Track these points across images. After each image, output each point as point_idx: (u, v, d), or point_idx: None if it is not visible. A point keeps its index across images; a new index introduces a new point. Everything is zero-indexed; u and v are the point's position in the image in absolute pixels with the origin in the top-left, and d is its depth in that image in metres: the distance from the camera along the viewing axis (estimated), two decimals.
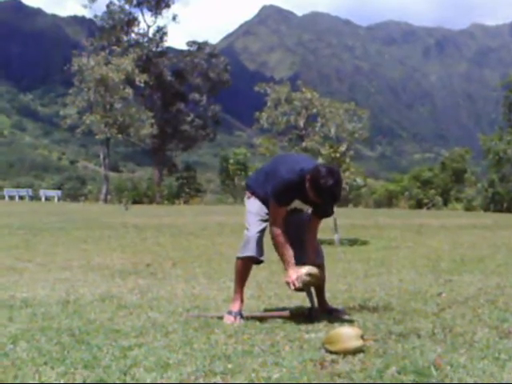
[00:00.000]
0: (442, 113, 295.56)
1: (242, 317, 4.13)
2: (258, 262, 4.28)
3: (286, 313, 4.26)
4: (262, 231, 4.26)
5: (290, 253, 4.12)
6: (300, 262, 4.12)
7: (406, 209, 35.86)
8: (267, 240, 4.26)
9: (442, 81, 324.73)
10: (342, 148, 11.27)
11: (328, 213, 4.28)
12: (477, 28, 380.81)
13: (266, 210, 4.25)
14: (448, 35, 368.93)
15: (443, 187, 38.66)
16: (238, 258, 4.28)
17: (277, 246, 4.17)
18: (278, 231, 4.12)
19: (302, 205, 4.21)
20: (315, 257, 4.23)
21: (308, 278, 4.07)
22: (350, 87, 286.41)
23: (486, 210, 32.05)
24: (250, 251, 4.20)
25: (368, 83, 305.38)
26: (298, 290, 4.14)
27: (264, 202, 4.27)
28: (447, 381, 2.74)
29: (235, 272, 4.32)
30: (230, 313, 4.16)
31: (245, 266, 4.27)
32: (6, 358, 3.14)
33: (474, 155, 42.36)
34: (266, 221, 4.25)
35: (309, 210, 4.29)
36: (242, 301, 4.27)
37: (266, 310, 4.56)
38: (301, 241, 4.23)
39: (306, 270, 4.06)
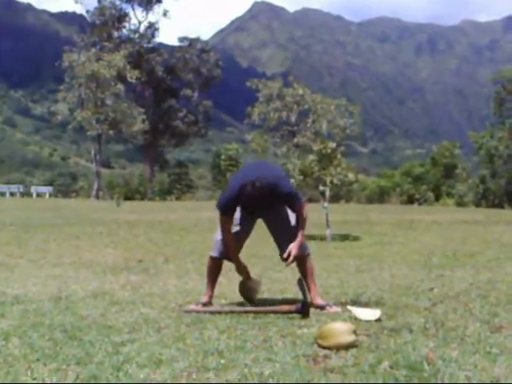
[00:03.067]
0: (434, 108, 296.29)
1: (204, 305, 4.42)
2: (226, 258, 4.63)
3: (287, 307, 4.24)
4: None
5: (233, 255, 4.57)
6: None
7: (397, 204, 35.97)
8: (261, 233, 4.27)
9: (434, 77, 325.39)
10: (333, 144, 11.27)
11: (294, 208, 4.47)
12: (468, 24, 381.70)
13: (239, 216, 4.55)
14: (439, 31, 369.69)
15: (434, 183, 38.80)
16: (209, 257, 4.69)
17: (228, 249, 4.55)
18: (226, 234, 4.50)
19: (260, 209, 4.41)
20: (302, 229, 4.45)
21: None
22: (341, 83, 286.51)
23: (478, 205, 32.24)
24: (215, 252, 4.60)
25: (360, 79, 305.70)
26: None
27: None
28: (439, 375, 2.75)
29: (207, 269, 4.74)
30: (197, 302, 4.52)
31: (211, 265, 4.64)
32: None
33: (465, 151, 42.54)
34: (236, 225, 4.55)
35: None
36: (209, 296, 4.57)
37: (259, 306, 4.55)
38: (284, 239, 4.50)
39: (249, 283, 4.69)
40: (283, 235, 4.47)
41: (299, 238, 4.39)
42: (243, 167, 5.33)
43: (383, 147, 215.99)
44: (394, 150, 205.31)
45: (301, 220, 4.45)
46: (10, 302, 4.61)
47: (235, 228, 4.51)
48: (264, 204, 4.27)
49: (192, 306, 4.39)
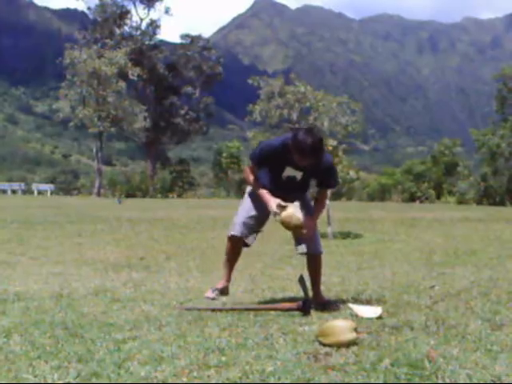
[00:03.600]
0: (435, 106, 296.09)
1: (221, 293, 4.39)
2: (245, 244, 4.48)
3: (289, 305, 4.24)
4: (251, 218, 4.44)
5: (262, 190, 4.30)
6: None
7: (399, 202, 35.96)
8: (265, 232, 4.27)
9: (435, 74, 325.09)
10: (333, 142, 11.27)
11: (330, 183, 4.44)
12: (470, 22, 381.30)
13: (254, 213, 4.44)
14: (441, 29, 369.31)
15: (436, 181, 38.77)
16: (227, 238, 4.53)
17: (254, 188, 4.39)
18: (249, 178, 4.41)
19: (294, 171, 4.29)
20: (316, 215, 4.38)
21: (285, 218, 4.13)
22: (343, 80, 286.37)
23: (479, 203, 32.20)
24: (235, 231, 4.43)
25: (361, 76, 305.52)
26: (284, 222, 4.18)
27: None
28: (440, 373, 2.75)
29: (225, 252, 4.59)
30: (211, 288, 4.51)
31: (230, 246, 4.51)
32: (0, 351, 3.13)
33: (466, 149, 42.49)
34: (257, 209, 4.41)
35: (306, 179, 4.40)
36: (226, 280, 4.53)
37: (260, 303, 4.56)
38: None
39: (290, 210, 4.13)
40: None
41: (316, 214, 4.39)
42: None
43: (385, 145, 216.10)
44: (396, 148, 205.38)
45: (323, 202, 4.48)
46: (11, 299, 4.61)
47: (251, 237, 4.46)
48: (308, 168, 4.14)
49: (208, 293, 4.45)
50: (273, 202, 4.20)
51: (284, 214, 4.13)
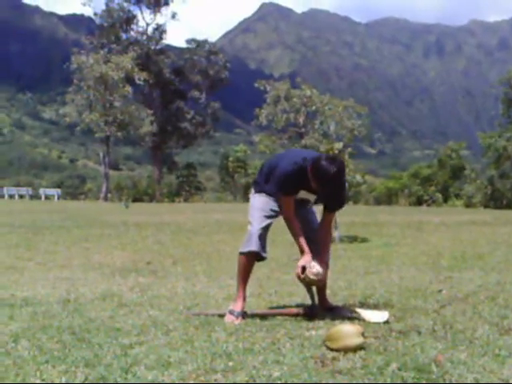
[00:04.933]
0: (442, 109, 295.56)
1: (243, 317, 4.08)
2: (260, 258, 4.23)
3: (296, 310, 4.24)
4: (266, 228, 4.21)
5: (302, 237, 4.14)
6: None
7: (406, 206, 35.86)
8: (271, 235, 4.27)
9: (442, 77, 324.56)
10: (339, 145, 11.25)
11: (340, 204, 4.27)
12: (476, 24, 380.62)
13: (272, 206, 4.24)
14: (447, 32, 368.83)
15: (443, 184, 38.66)
16: (241, 254, 4.22)
17: (290, 226, 4.18)
18: (290, 215, 4.14)
19: (308, 194, 4.17)
20: (327, 256, 4.21)
21: (313, 277, 4.07)
22: (349, 84, 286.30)
23: (486, 206, 32.08)
24: (253, 246, 4.14)
25: (367, 80, 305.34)
26: (300, 279, 4.15)
27: (271, 196, 4.26)
28: (447, 377, 2.75)
29: (238, 268, 4.26)
30: (231, 312, 4.11)
31: (247, 262, 4.20)
32: (8, 356, 3.15)
33: (473, 152, 42.34)
34: (270, 217, 4.22)
35: (314, 201, 4.29)
36: (244, 299, 4.21)
37: (269, 308, 4.55)
38: (307, 238, 4.21)
39: (315, 269, 4.05)
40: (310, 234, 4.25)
41: (326, 256, 4.23)
42: (288, 152, 4.61)
43: (391, 148, 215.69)
44: (402, 151, 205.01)
45: (330, 229, 4.34)
46: (19, 304, 4.64)
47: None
48: (329, 188, 3.97)
49: (230, 318, 4.04)
50: (307, 259, 4.08)
51: (312, 274, 4.05)
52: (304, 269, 4.07)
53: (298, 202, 4.20)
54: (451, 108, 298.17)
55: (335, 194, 4.12)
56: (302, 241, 4.14)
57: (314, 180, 3.90)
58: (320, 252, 4.16)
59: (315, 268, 4.05)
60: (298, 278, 4.13)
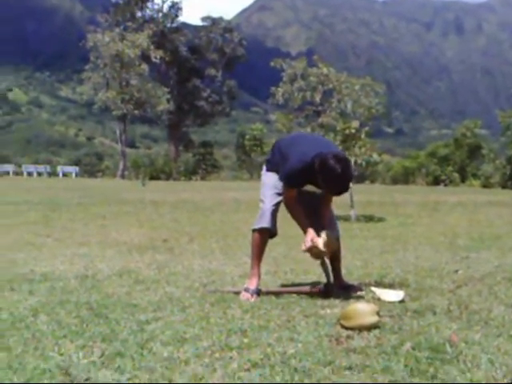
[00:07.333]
0: (460, 88, 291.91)
1: (258, 294, 4.11)
2: (273, 234, 4.29)
3: (307, 288, 4.25)
4: (277, 204, 4.26)
5: (304, 219, 4.19)
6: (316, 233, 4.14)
7: (422, 185, 35.65)
8: (284, 213, 4.27)
9: (460, 56, 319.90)
10: (356, 124, 11.15)
11: (341, 193, 4.22)
12: (497, 0, 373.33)
13: (280, 199, 4.28)
14: (467, 9, 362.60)
15: (460, 164, 38.31)
16: (254, 231, 4.27)
17: (291, 212, 4.22)
18: (290, 203, 4.19)
19: (313, 188, 4.21)
20: (331, 230, 4.22)
21: (320, 249, 4.07)
22: (366, 62, 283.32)
23: (504, 187, 31.77)
24: (265, 223, 4.20)
25: (385, 58, 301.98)
26: (312, 254, 4.16)
27: None
28: (461, 357, 2.75)
29: (251, 246, 4.31)
30: (247, 290, 4.13)
31: (260, 239, 4.25)
32: (27, 330, 3.20)
33: (492, 132, 41.78)
34: (281, 194, 4.25)
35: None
36: (259, 277, 4.24)
37: (282, 286, 4.57)
38: (316, 213, 4.27)
39: (322, 240, 4.05)
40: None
41: (333, 231, 4.25)
42: (303, 139, 4.46)
43: (409, 127, 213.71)
44: (420, 131, 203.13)
45: (329, 205, 4.35)
46: (38, 279, 4.70)
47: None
48: (334, 186, 3.97)
49: (246, 296, 4.06)
50: (310, 234, 4.10)
51: (318, 245, 4.05)
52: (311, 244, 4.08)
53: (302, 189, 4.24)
54: (470, 87, 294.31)
55: (341, 189, 4.08)
56: (304, 221, 4.18)
57: (319, 177, 3.94)
58: (325, 228, 4.17)
59: (320, 239, 4.06)
60: (306, 251, 4.14)
